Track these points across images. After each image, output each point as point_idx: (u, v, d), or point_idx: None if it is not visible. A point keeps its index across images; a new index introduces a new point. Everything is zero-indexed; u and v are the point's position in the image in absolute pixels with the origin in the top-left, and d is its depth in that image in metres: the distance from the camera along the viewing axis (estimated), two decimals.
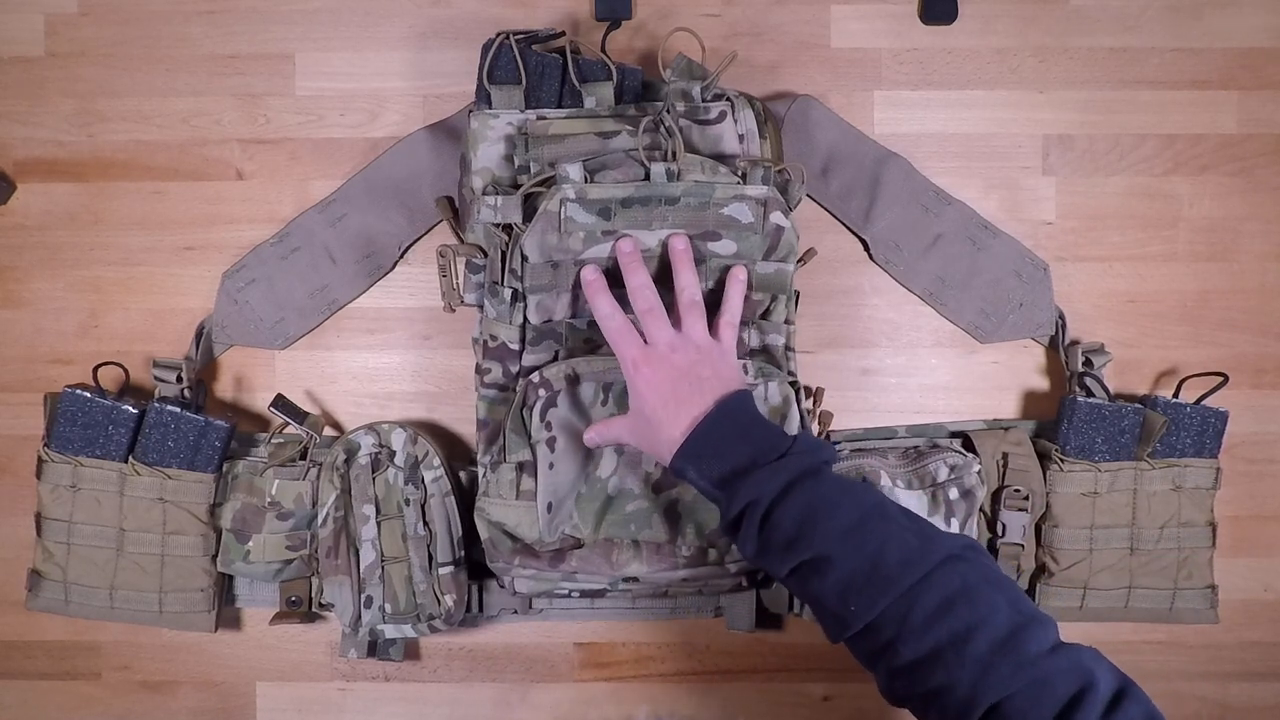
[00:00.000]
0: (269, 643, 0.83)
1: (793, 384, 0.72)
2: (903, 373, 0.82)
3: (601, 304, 0.67)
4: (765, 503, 0.58)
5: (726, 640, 0.83)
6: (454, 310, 0.74)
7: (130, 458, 0.76)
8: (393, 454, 0.75)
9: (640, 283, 0.66)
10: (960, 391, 0.83)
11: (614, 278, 0.68)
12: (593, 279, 0.67)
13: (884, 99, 0.82)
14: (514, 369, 0.72)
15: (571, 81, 0.73)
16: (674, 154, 0.67)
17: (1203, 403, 0.78)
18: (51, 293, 0.82)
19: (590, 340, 0.72)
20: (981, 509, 0.77)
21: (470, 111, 0.73)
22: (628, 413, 0.67)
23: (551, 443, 0.69)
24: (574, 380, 0.70)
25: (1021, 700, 0.50)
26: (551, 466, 0.69)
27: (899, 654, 0.54)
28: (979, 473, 0.76)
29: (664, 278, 0.69)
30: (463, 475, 0.78)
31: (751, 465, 0.60)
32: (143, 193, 0.82)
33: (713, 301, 0.70)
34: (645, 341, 0.65)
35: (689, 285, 0.67)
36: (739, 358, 0.71)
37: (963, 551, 0.56)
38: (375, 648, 0.77)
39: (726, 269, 0.70)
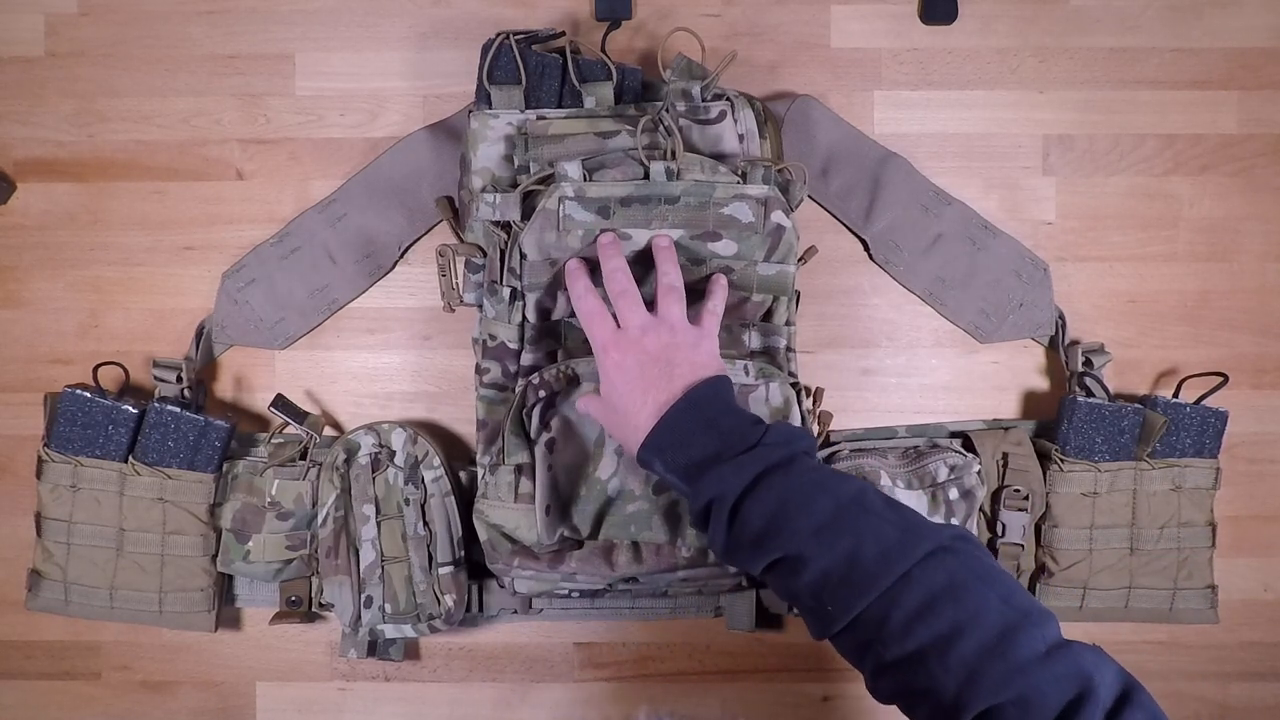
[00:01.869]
0: (269, 643, 0.83)
1: (793, 385, 0.72)
2: (903, 373, 0.82)
3: (577, 286, 0.65)
4: (731, 498, 0.56)
5: (726, 640, 0.83)
6: (454, 310, 0.74)
7: (130, 458, 0.76)
8: (393, 454, 0.75)
9: (615, 266, 0.65)
10: (960, 391, 0.83)
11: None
12: (574, 267, 0.67)
13: (884, 99, 0.82)
14: (513, 368, 0.72)
15: (571, 81, 0.73)
16: (673, 153, 0.67)
17: (1203, 403, 0.78)
18: (51, 293, 0.82)
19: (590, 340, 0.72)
20: (981, 509, 0.77)
21: (470, 111, 0.73)
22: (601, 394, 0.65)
23: (550, 444, 0.69)
24: (573, 381, 0.70)
25: (1012, 711, 0.47)
26: (550, 469, 0.69)
27: (881, 655, 0.51)
28: (979, 473, 0.76)
29: (651, 278, 0.67)
30: (463, 475, 0.78)
31: (717, 458, 0.57)
32: (143, 193, 0.82)
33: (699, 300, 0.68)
34: (619, 326, 0.63)
35: (669, 272, 0.65)
36: (739, 358, 0.71)
37: (951, 543, 0.53)
38: (375, 648, 0.77)
39: (727, 269, 0.70)
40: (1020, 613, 0.50)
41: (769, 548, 0.55)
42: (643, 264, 0.69)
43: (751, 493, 0.56)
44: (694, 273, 0.70)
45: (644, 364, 0.61)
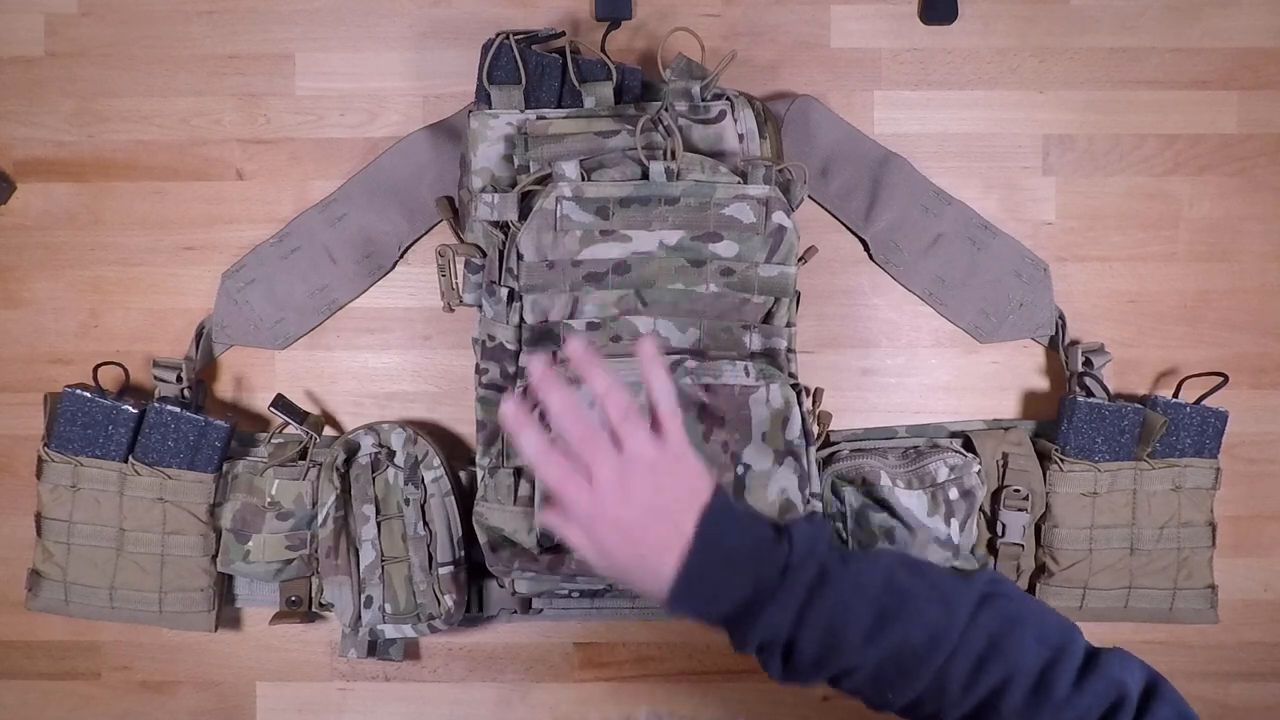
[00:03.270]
0: (269, 643, 0.83)
1: (794, 386, 0.72)
2: (903, 373, 0.82)
3: (528, 444, 0.54)
4: (783, 640, 0.54)
5: (726, 640, 0.83)
6: (453, 310, 0.74)
7: (130, 458, 0.76)
8: (392, 454, 0.75)
9: (562, 406, 0.54)
10: (960, 391, 0.83)
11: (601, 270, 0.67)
12: (512, 413, 0.53)
13: (884, 99, 0.82)
14: (511, 370, 0.72)
15: (571, 81, 0.73)
16: (673, 153, 0.67)
17: (1203, 403, 0.78)
18: (51, 293, 0.82)
19: (589, 342, 0.71)
20: (981, 509, 0.77)
21: (470, 111, 0.73)
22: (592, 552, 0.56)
23: None
24: (573, 382, 0.70)
25: None
26: None
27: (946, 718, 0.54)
28: (979, 473, 0.76)
29: (660, 266, 0.67)
30: (463, 475, 0.78)
31: (754, 599, 0.53)
32: (143, 193, 0.82)
33: (710, 312, 0.68)
34: (589, 478, 0.54)
35: (611, 393, 0.54)
36: (740, 359, 0.71)
37: (984, 594, 0.54)
38: (375, 648, 0.77)
39: (728, 270, 0.69)
40: (1053, 648, 0.53)
41: (826, 668, 0.54)
42: (634, 269, 0.69)
43: (799, 628, 0.53)
44: (694, 275, 0.69)
45: (642, 524, 0.53)
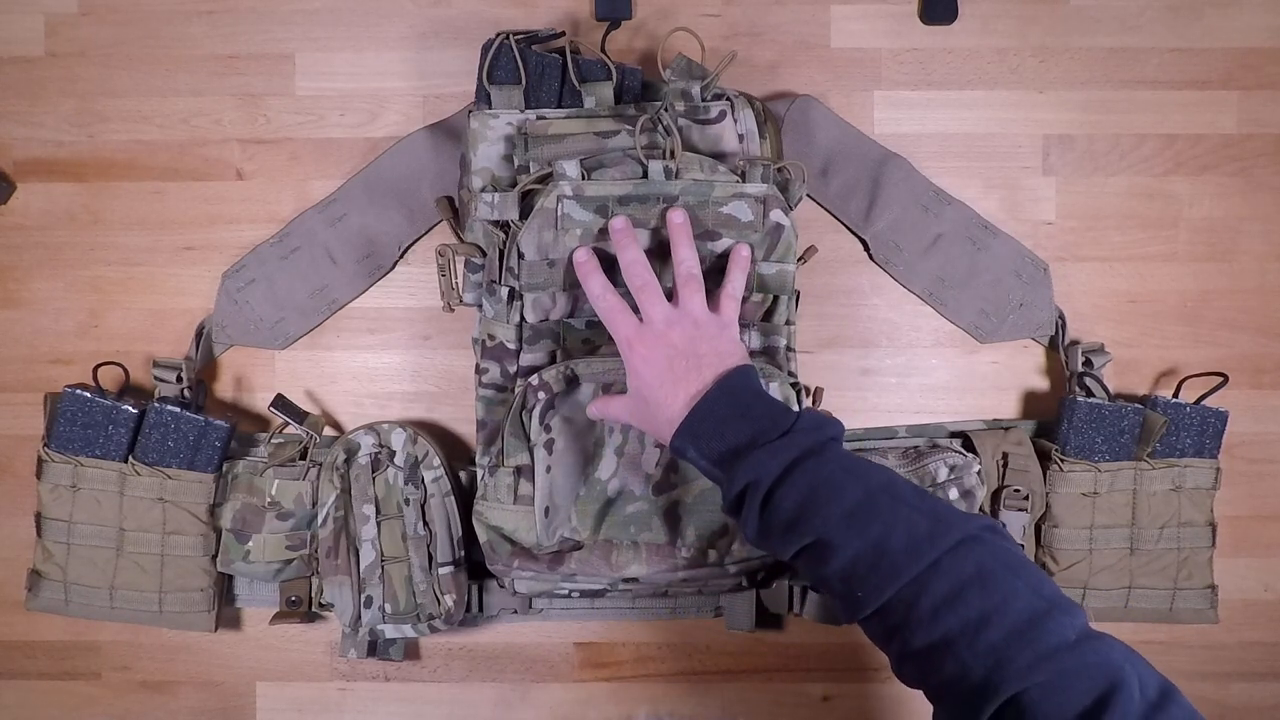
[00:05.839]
0: (269, 643, 0.83)
1: (794, 385, 0.72)
2: (903, 373, 0.82)
3: (593, 284, 0.65)
4: (766, 484, 0.56)
5: (726, 640, 0.83)
6: (453, 310, 0.74)
7: (130, 458, 0.76)
8: (393, 454, 0.75)
9: (633, 258, 0.65)
10: (960, 391, 0.83)
11: (608, 262, 0.67)
12: (584, 260, 0.66)
13: (884, 99, 0.82)
14: (512, 369, 0.72)
15: (571, 81, 0.73)
16: (672, 152, 0.67)
17: (1203, 403, 0.78)
18: (51, 293, 0.82)
19: (589, 341, 0.71)
20: (981, 509, 0.77)
21: (470, 111, 0.73)
22: (627, 393, 0.66)
23: (550, 445, 0.69)
24: (573, 381, 0.70)
25: (1041, 694, 0.47)
26: (549, 470, 0.69)
27: (909, 640, 0.52)
28: (979, 473, 0.76)
29: (663, 257, 0.67)
30: (463, 475, 0.78)
31: (751, 444, 0.58)
32: (143, 193, 0.82)
33: (714, 287, 0.68)
34: (640, 319, 0.64)
35: (687, 259, 0.65)
36: None
37: (980, 533, 0.53)
38: (375, 648, 0.77)
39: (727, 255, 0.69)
40: (1049, 601, 0.50)
41: (800, 533, 0.56)
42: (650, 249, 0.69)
43: (785, 479, 0.56)
44: None
45: (672, 358, 0.62)
